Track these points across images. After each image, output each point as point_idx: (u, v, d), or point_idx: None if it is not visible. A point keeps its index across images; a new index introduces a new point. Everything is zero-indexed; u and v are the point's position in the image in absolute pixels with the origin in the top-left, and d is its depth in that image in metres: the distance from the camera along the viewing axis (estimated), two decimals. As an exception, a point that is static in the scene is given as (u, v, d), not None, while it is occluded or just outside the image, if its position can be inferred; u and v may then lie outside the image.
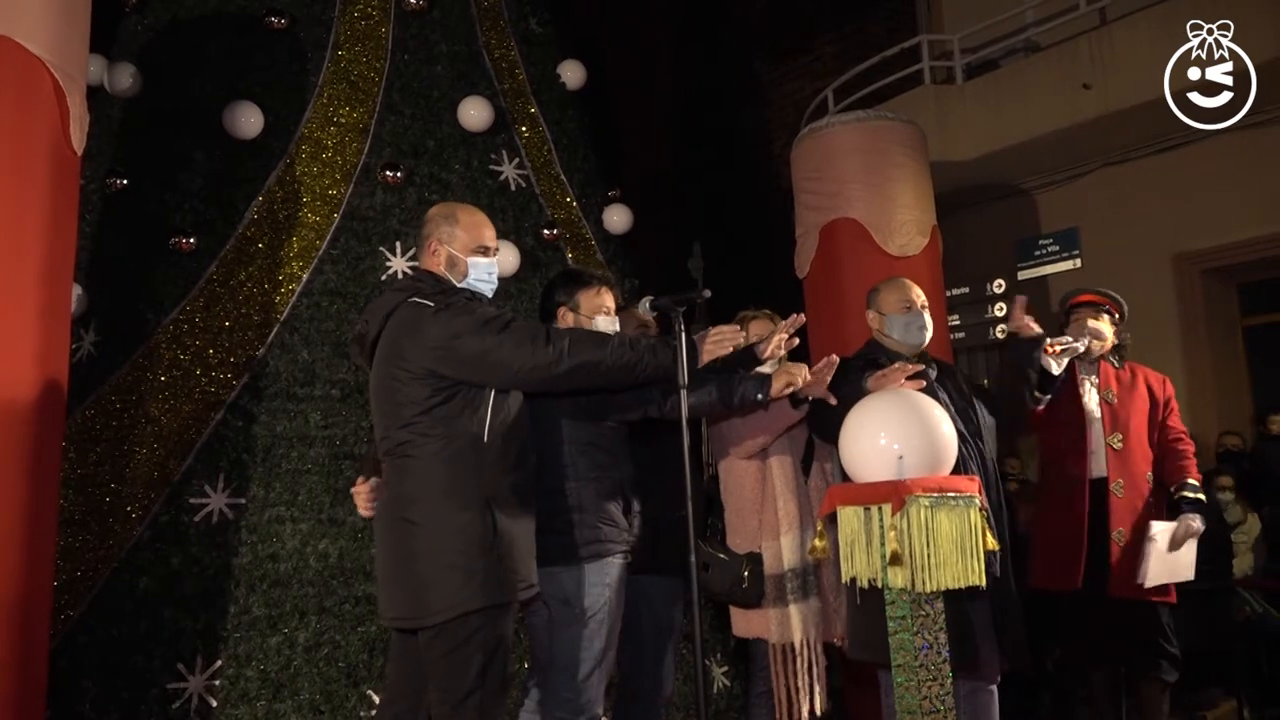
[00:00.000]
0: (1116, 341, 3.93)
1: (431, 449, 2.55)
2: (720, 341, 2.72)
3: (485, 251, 2.78)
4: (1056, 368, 3.35)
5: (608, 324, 3.04)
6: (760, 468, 3.26)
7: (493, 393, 2.62)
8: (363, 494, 2.73)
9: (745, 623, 3.31)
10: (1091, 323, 3.82)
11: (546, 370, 2.55)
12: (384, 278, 4.21)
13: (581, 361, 2.56)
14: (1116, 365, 3.92)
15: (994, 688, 3.17)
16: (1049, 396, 3.46)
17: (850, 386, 2.95)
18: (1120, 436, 3.81)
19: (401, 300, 2.65)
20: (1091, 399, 3.86)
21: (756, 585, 3.17)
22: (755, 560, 3.19)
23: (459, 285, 2.74)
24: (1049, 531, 3.89)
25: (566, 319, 3.06)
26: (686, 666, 3.94)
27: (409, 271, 4.23)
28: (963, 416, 3.13)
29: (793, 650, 3.17)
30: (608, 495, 2.92)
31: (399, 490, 2.60)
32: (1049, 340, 3.34)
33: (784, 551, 3.18)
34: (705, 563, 3.16)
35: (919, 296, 3.34)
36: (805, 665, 3.16)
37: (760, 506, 3.24)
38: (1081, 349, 3.51)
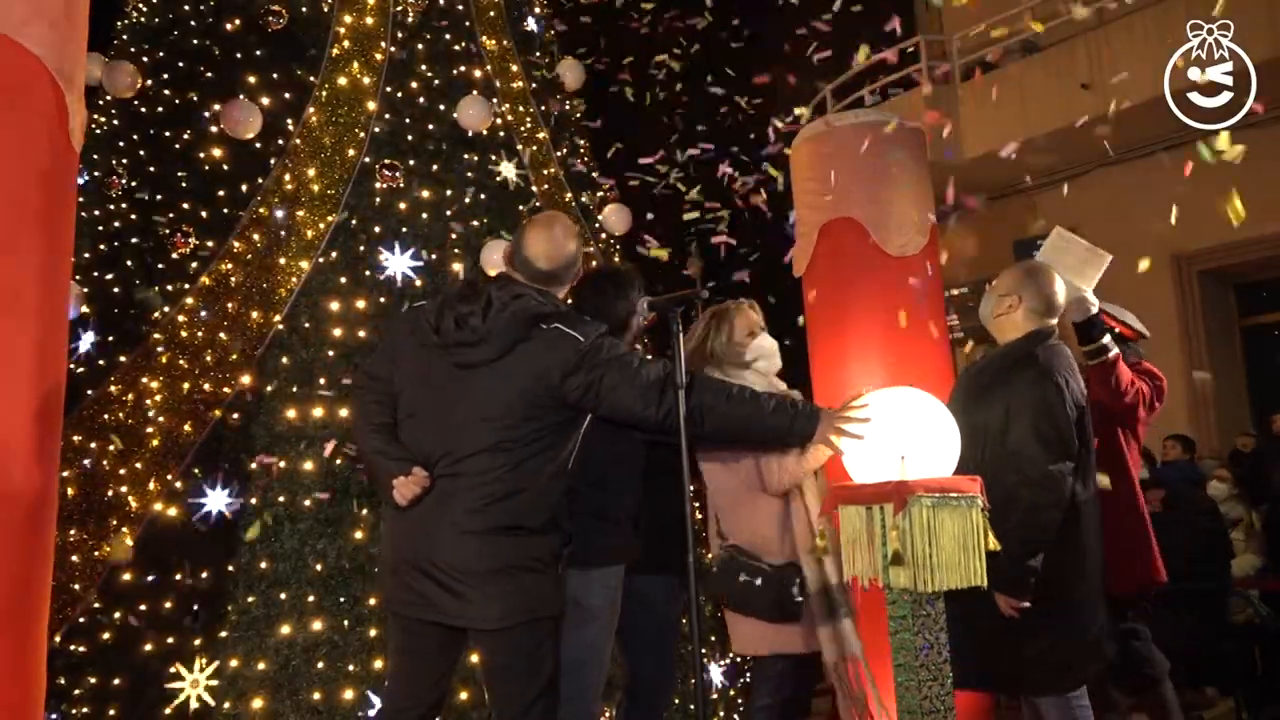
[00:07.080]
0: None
1: (533, 465, 2.50)
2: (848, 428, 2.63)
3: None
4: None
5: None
6: (783, 502, 3.09)
7: (586, 422, 2.63)
8: (420, 483, 2.47)
9: (758, 638, 3.08)
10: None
11: (665, 422, 2.53)
12: (382, 278, 4.20)
13: (714, 418, 2.57)
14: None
15: (991, 687, 3.16)
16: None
17: None
18: None
19: (548, 327, 2.53)
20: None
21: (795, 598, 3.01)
22: (797, 570, 3.02)
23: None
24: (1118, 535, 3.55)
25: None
26: (685, 666, 3.94)
27: (407, 272, 4.22)
28: (968, 413, 2.96)
29: (855, 661, 3.01)
30: (624, 508, 2.94)
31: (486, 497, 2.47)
32: None
33: (828, 567, 3.02)
34: (749, 580, 3.02)
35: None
36: (871, 675, 3.03)
37: (783, 535, 3.08)
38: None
